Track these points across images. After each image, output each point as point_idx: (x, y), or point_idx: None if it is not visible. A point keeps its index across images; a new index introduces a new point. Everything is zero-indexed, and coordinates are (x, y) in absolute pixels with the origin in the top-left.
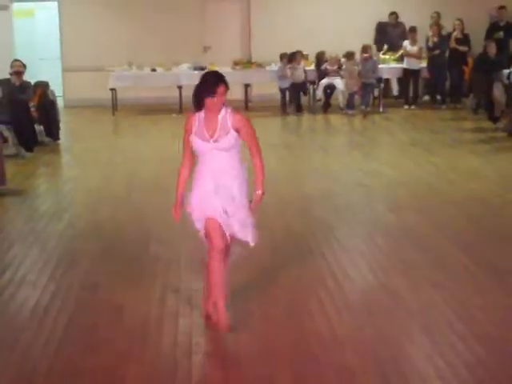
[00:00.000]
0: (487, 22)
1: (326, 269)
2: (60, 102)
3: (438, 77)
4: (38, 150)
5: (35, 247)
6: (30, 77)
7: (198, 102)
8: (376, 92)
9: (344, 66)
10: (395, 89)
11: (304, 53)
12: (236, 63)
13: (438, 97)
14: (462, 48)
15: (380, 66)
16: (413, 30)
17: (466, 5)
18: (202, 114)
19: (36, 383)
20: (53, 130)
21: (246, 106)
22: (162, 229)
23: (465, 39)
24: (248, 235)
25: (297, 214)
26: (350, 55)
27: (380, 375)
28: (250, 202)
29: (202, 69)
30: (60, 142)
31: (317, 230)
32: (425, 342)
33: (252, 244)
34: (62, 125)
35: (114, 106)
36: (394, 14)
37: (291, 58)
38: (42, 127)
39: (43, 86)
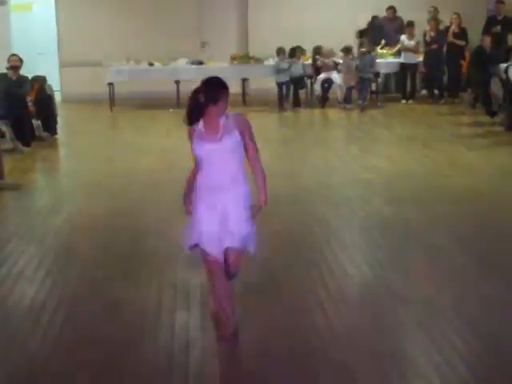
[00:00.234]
0: (484, 16)
1: (324, 264)
2: (57, 97)
3: (435, 71)
4: (35, 145)
5: (32, 242)
6: (28, 71)
7: (199, 112)
8: (373, 86)
9: (341, 61)
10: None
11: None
12: (233, 58)
13: (436, 91)
14: (460, 42)
15: (377, 60)
16: (410, 24)
17: None
18: (200, 122)
19: (33, 378)
20: (50, 125)
21: (244, 101)
22: (160, 223)
23: (462, 33)
24: (249, 245)
25: (294, 209)
26: (347, 50)
27: (378, 371)
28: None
29: (200, 63)
30: (57, 136)
31: (314, 224)
32: (423, 338)
33: (252, 253)
34: (59, 119)
35: (112, 100)
36: (391, 9)
37: (291, 53)
38: (39, 122)
39: (40, 81)
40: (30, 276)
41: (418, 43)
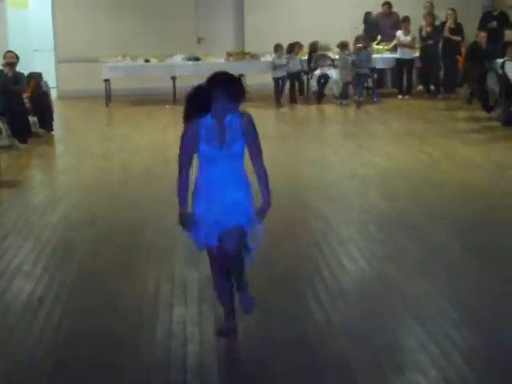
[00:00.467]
0: (480, 11)
1: (321, 258)
2: (54, 94)
3: (431, 67)
4: (31, 142)
5: (30, 238)
6: (24, 68)
7: (200, 107)
8: (370, 82)
9: (338, 56)
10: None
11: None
12: (230, 54)
13: (432, 87)
14: (456, 38)
15: (373, 56)
16: (406, 20)
17: None
18: (208, 119)
19: (31, 372)
20: (46, 122)
21: None
22: (157, 218)
23: (458, 29)
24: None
25: (291, 204)
26: (343, 45)
27: (375, 364)
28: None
29: (197, 60)
30: (54, 133)
31: (311, 219)
32: (419, 330)
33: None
34: (55, 116)
35: (108, 97)
36: (387, 4)
37: (290, 49)
38: (35, 118)
39: (36, 77)
40: (27, 271)
41: (413, 39)
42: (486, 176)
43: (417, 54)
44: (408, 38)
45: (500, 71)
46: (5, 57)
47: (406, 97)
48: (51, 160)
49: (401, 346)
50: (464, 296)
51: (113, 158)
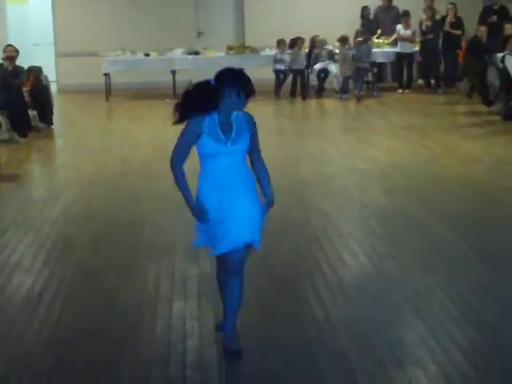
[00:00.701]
0: (480, 5)
1: (321, 254)
2: (54, 88)
3: (431, 61)
4: (31, 136)
5: (29, 233)
6: (24, 62)
7: (207, 104)
8: (370, 76)
9: (338, 51)
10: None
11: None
12: (230, 48)
13: (432, 81)
14: (456, 32)
15: (374, 50)
16: (406, 14)
17: None
18: (214, 115)
19: (31, 368)
20: (46, 116)
21: None
22: (156, 214)
23: (458, 23)
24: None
25: (291, 199)
26: (343, 39)
27: (375, 360)
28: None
29: (196, 53)
30: (53, 127)
31: (311, 214)
32: (419, 326)
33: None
34: (55, 110)
35: (108, 91)
36: None
37: (292, 44)
38: (35, 112)
39: (36, 71)
40: (27, 266)
41: (414, 33)
42: (486, 170)
43: (417, 48)
44: (408, 32)
45: (500, 65)
46: (5, 51)
47: (406, 91)
48: (51, 154)
49: (401, 341)
50: (464, 291)
51: (112, 152)
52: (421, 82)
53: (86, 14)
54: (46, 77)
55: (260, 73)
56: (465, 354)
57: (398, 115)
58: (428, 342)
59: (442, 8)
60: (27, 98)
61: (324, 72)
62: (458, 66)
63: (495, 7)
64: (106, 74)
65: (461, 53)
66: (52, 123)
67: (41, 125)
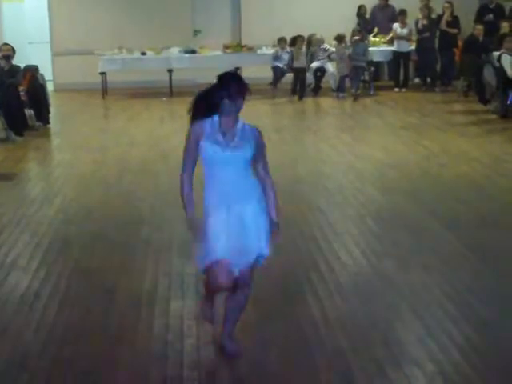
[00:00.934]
0: (476, 4)
1: (318, 252)
2: (50, 87)
3: (427, 59)
4: (28, 135)
5: (26, 232)
6: (20, 61)
7: (210, 106)
8: (366, 75)
9: (334, 49)
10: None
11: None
12: (226, 47)
13: (429, 79)
14: (452, 30)
15: (370, 48)
16: (402, 12)
17: None
18: (215, 118)
19: (28, 367)
20: (43, 114)
21: None
22: (153, 213)
23: (454, 22)
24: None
25: (288, 198)
26: (340, 38)
27: (372, 358)
28: None
29: (193, 52)
30: (50, 126)
31: (308, 213)
32: (416, 325)
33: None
34: (52, 109)
35: (104, 90)
36: None
37: (293, 42)
38: (32, 111)
39: (33, 70)
40: (23, 265)
41: (410, 31)
42: (483, 169)
43: (413, 46)
44: (405, 31)
45: (497, 64)
46: (1, 49)
47: (403, 90)
48: (47, 153)
49: (398, 340)
50: (462, 290)
51: (109, 151)
52: (417, 80)
53: (83, 13)
54: (42, 76)
55: (256, 71)
56: (462, 352)
57: (394, 114)
58: (425, 340)
59: (438, 7)
60: (23, 97)
61: (320, 71)
62: (455, 64)
63: (491, 6)
64: (103, 73)
65: (457, 51)
66: (48, 122)
67: (37, 124)
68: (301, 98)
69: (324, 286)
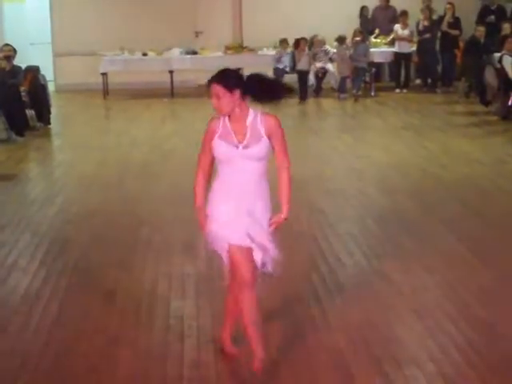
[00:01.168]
0: (478, 5)
1: (318, 253)
2: (51, 87)
3: (428, 61)
4: (29, 135)
5: (26, 232)
6: (21, 62)
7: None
8: (367, 76)
9: (335, 50)
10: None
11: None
12: (228, 48)
13: (430, 80)
14: (454, 32)
15: (371, 49)
16: (404, 13)
17: None
18: (226, 117)
19: (28, 367)
20: (44, 115)
21: None
22: (154, 213)
23: (456, 23)
24: (268, 263)
25: None
26: (341, 39)
27: (372, 358)
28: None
29: (194, 53)
30: (51, 126)
31: (309, 213)
32: (416, 325)
33: (273, 273)
34: (53, 109)
35: (105, 90)
36: None
37: (296, 44)
38: (32, 112)
39: (34, 71)
40: (24, 265)
41: (411, 32)
42: (484, 170)
43: (414, 47)
44: (406, 32)
45: (498, 65)
46: (2, 50)
47: (404, 90)
48: (48, 153)
49: (398, 340)
50: (462, 290)
51: (110, 151)
52: (418, 81)
53: (84, 13)
54: (43, 76)
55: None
56: (462, 352)
57: (395, 115)
58: (425, 340)
59: (439, 8)
60: (25, 98)
61: (322, 72)
62: (456, 65)
63: (493, 7)
64: (104, 74)
65: (458, 53)
66: (49, 123)
67: (38, 124)
68: (303, 99)
69: (324, 286)
